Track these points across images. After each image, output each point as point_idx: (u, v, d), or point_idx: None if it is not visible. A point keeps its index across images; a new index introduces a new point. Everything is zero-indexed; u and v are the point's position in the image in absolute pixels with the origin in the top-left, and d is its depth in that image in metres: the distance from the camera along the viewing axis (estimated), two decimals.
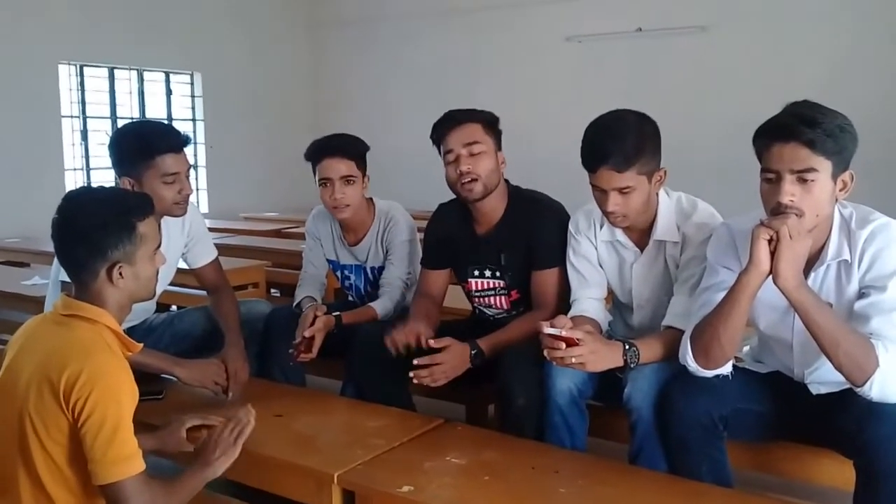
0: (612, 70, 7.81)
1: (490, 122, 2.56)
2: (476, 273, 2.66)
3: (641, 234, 2.30)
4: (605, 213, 2.21)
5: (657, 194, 2.25)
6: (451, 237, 2.69)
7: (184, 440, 2.05)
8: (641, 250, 2.32)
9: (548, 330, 1.97)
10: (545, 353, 2.00)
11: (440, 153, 2.57)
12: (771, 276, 1.79)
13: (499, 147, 2.57)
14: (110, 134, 2.56)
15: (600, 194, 2.17)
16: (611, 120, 2.18)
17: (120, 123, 7.93)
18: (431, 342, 2.33)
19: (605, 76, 7.73)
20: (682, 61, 7.56)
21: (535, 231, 2.52)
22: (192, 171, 2.58)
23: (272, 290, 5.12)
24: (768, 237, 1.77)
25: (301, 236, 5.10)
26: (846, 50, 6.85)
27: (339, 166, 2.80)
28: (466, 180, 2.48)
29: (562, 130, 8.12)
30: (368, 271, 3.02)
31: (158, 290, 2.52)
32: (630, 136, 2.11)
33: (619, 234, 2.33)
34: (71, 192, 1.79)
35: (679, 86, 7.05)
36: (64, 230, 1.74)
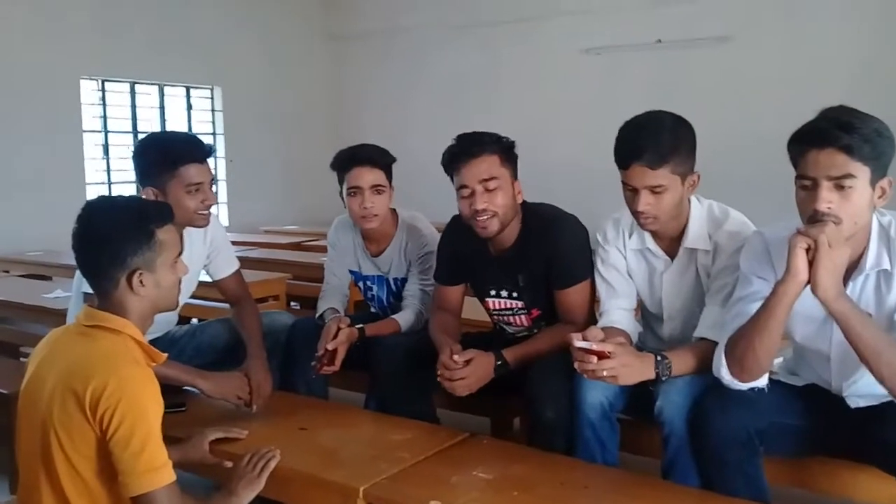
0: (631, 82, 7.76)
1: (506, 152, 2.43)
2: (493, 293, 2.61)
3: (672, 243, 2.25)
4: (635, 214, 2.15)
5: (689, 200, 2.20)
6: (465, 256, 2.62)
7: (207, 453, 2.05)
8: (672, 259, 2.27)
9: (578, 343, 1.93)
10: (576, 366, 1.95)
11: (452, 183, 2.46)
12: (809, 287, 1.74)
13: (515, 176, 2.46)
14: (133, 146, 2.56)
15: (631, 194, 2.13)
16: (647, 118, 2.15)
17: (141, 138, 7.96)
18: (456, 357, 2.29)
19: (625, 88, 7.68)
20: (702, 72, 7.51)
21: (552, 251, 2.44)
22: (214, 182, 2.57)
23: (292, 303, 5.11)
24: (806, 246, 1.72)
25: (321, 249, 5.10)
26: (870, 54, 6.77)
27: (369, 175, 2.78)
28: (483, 217, 2.38)
29: (580, 142, 8.18)
30: (391, 282, 2.99)
31: (181, 302, 2.52)
32: (665, 133, 2.08)
33: (650, 242, 2.28)
34: (90, 201, 1.78)
35: (699, 97, 6.98)
36: (83, 239, 1.73)
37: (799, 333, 2.01)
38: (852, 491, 2.06)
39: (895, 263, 1.82)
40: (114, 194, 1.99)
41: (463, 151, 2.41)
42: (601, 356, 1.92)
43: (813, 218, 1.76)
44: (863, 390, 1.92)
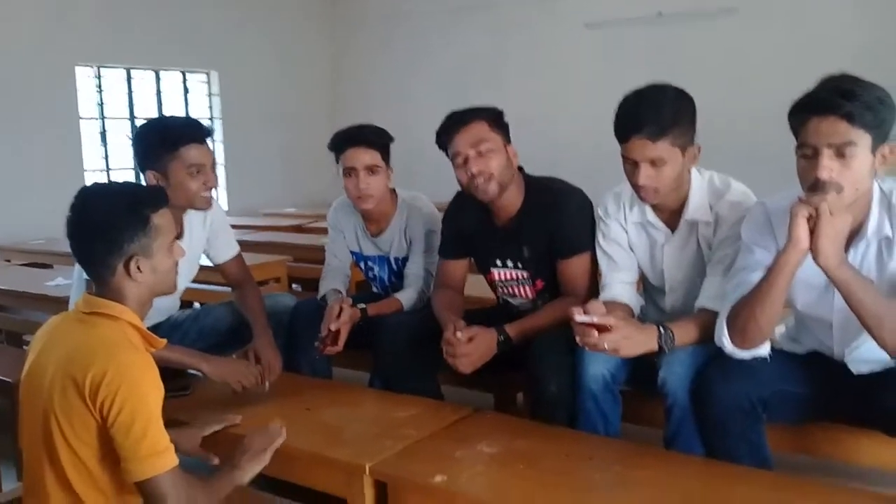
0: (633, 55, 7.72)
1: (495, 118, 2.48)
2: (499, 263, 2.62)
3: (672, 215, 2.25)
4: (636, 187, 2.14)
5: (689, 172, 2.19)
6: (470, 229, 2.64)
7: (197, 447, 2.05)
8: (672, 231, 2.27)
9: (580, 318, 1.93)
10: (578, 339, 1.96)
11: (448, 157, 2.50)
12: (810, 254, 1.74)
13: (508, 141, 2.49)
14: (131, 132, 2.56)
15: (631, 167, 2.12)
16: (647, 90, 2.13)
17: (139, 124, 7.96)
18: (458, 334, 2.29)
19: (627, 62, 7.64)
20: (704, 45, 7.46)
21: (557, 221, 2.46)
22: (215, 164, 2.57)
23: (294, 285, 5.12)
24: (807, 214, 1.71)
25: (322, 231, 5.10)
26: (874, 27, 6.72)
27: (364, 156, 2.77)
28: (480, 181, 2.41)
29: (584, 117, 8.13)
30: (392, 262, 2.99)
31: (181, 286, 2.52)
32: (666, 105, 2.07)
33: (650, 215, 2.28)
34: (83, 188, 1.76)
35: (701, 70, 6.93)
36: (78, 226, 1.71)
37: (800, 301, 2.01)
38: (855, 456, 2.07)
39: None
40: (107, 181, 1.96)
41: (452, 123, 2.47)
42: (602, 329, 1.92)
43: (814, 186, 1.75)
44: (865, 356, 1.92)
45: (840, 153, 1.73)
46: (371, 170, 2.77)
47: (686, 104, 2.12)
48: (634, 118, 2.07)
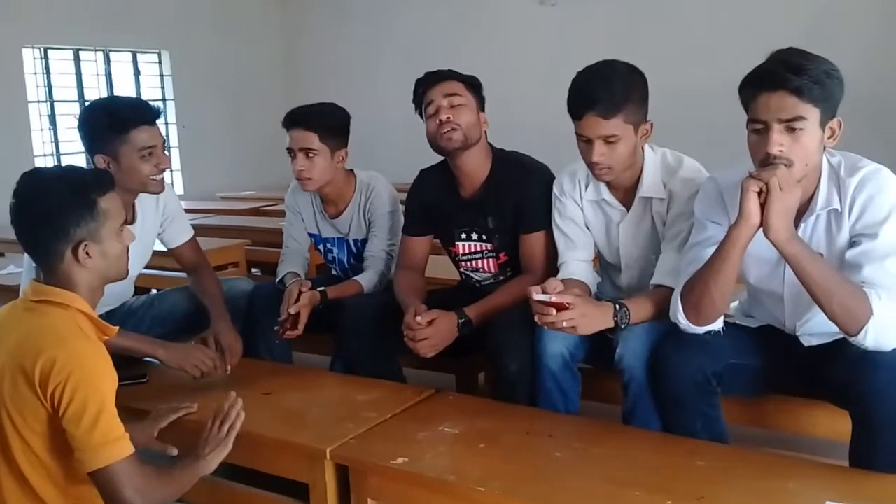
0: (588, 32, 7.72)
1: (472, 83, 2.54)
2: (463, 236, 2.62)
3: (627, 192, 2.27)
4: (590, 165, 2.16)
5: (643, 150, 2.21)
6: (435, 201, 2.64)
7: (152, 438, 2.02)
8: (628, 209, 2.29)
9: (537, 297, 1.94)
10: (536, 318, 1.97)
11: (422, 114, 2.52)
12: (762, 229, 1.76)
13: (481, 108, 2.53)
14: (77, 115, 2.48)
15: (585, 145, 2.13)
16: (599, 67, 2.15)
17: None
18: (419, 318, 2.29)
19: (581, 39, 7.63)
20: (655, 21, 7.49)
21: (522, 193, 2.48)
22: (165, 145, 2.51)
23: (253, 270, 5.06)
24: (758, 189, 1.74)
25: (280, 214, 5.02)
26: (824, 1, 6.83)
27: (300, 138, 2.73)
28: (446, 129, 2.43)
29: (541, 95, 8.05)
30: (351, 244, 2.97)
31: (134, 272, 2.48)
32: (618, 82, 2.08)
33: (605, 193, 2.29)
34: (25, 173, 1.71)
35: (652, 45, 6.98)
36: (22, 213, 1.67)
37: (753, 276, 2.04)
38: (809, 427, 2.13)
39: (845, 203, 1.84)
40: (51, 165, 1.90)
41: (429, 76, 2.54)
42: (560, 308, 1.93)
43: (765, 161, 1.78)
44: (815, 329, 1.96)
45: (790, 128, 1.75)
46: (307, 152, 2.73)
47: (637, 80, 2.14)
48: (587, 96, 2.08)
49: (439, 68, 2.58)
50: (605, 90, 2.06)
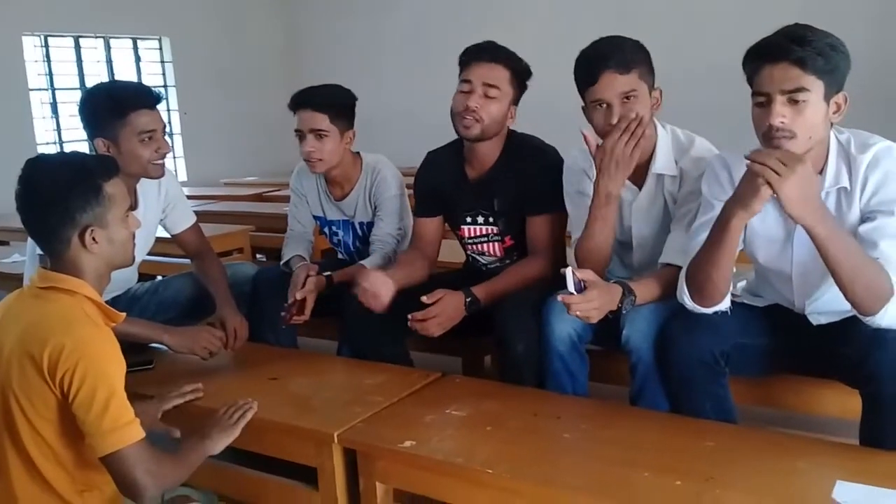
0: (589, 12, 7.67)
1: (519, 74, 2.46)
2: (469, 220, 2.61)
3: (638, 171, 2.24)
4: (608, 131, 2.11)
5: (655, 126, 2.21)
6: (442, 183, 2.62)
7: (156, 419, 2.02)
8: (640, 188, 2.27)
9: (564, 298, 1.93)
10: (560, 296, 1.95)
11: (459, 77, 2.47)
12: (771, 206, 1.74)
13: (516, 101, 2.48)
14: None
15: (603, 112, 2.11)
16: (605, 37, 2.16)
17: None
18: (423, 298, 2.28)
19: (583, 21, 7.59)
20: (663, 4, 7.44)
21: (529, 176, 2.45)
22: (167, 132, 2.50)
23: (258, 255, 5.06)
24: (760, 172, 1.68)
25: (283, 199, 5.04)
26: None
27: (310, 119, 2.71)
28: (467, 118, 2.40)
29: (544, 77, 8.09)
30: (357, 227, 2.95)
31: (137, 258, 2.46)
32: (627, 42, 2.12)
33: None
34: (30, 160, 1.70)
35: (654, 24, 6.93)
36: (28, 199, 1.66)
37: (761, 255, 2.02)
38: (818, 406, 2.12)
39: (856, 181, 1.82)
40: (55, 152, 1.90)
41: (483, 50, 2.44)
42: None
43: (768, 134, 1.75)
44: (824, 307, 1.95)
45: (793, 100, 1.73)
46: (318, 134, 2.72)
47: (643, 48, 2.15)
48: (601, 55, 2.09)
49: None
50: (618, 49, 2.09)
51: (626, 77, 2.06)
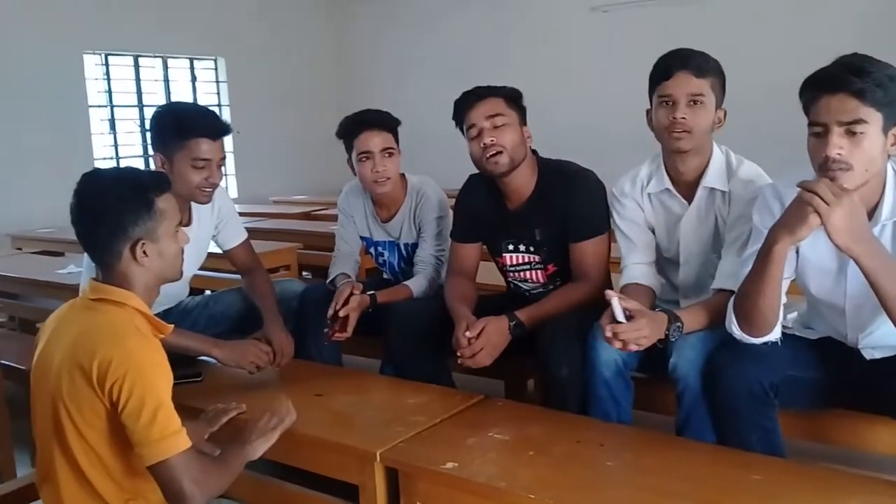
0: (638, 39, 7.61)
1: (512, 97, 2.50)
2: (510, 248, 2.61)
3: (690, 187, 2.24)
4: (671, 125, 2.12)
5: (711, 138, 2.21)
6: (482, 212, 2.63)
7: (203, 441, 2.03)
8: (689, 202, 2.26)
9: (612, 327, 1.92)
10: (603, 322, 1.94)
11: (464, 133, 2.51)
12: (824, 237, 1.71)
13: (523, 122, 2.51)
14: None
15: (667, 110, 2.13)
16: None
17: (147, 112, 7.99)
18: (467, 333, 2.27)
19: (632, 46, 7.54)
20: (709, 25, 7.37)
21: (569, 204, 2.45)
22: (224, 161, 2.55)
23: (304, 273, 5.12)
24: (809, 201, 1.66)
25: (331, 218, 5.09)
26: (880, 2, 6.65)
27: (378, 139, 2.78)
28: (491, 153, 2.42)
29: (589, 102, 8.10)
30: (402, 248, 2.98)
31: (189, 273, 2.53)
32: (708, 55, 2.18)
33: (668, 183, 2.27)
34: (85, 174, 1.75)
35: (708, 50, 6.91)
36: (82, 212, 1.71)
37: (813, 287, 1.99)
38: (870, 443, 2.06)
39: None
40: (110, 167, 1.96)
41: (469, 96, 2.50)
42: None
43: (824, 165, 1.73)
44: (878, 342, 1.91)
45: (850, 131, 1.71)
46: (387, 152, 2.78)
47: (720, 67, 2.19)
48: (680, 56, 2.14)
49: (485, 78, 2.56)
50: (699, 55, 2.15)
51: (699, 81, 2.10)
